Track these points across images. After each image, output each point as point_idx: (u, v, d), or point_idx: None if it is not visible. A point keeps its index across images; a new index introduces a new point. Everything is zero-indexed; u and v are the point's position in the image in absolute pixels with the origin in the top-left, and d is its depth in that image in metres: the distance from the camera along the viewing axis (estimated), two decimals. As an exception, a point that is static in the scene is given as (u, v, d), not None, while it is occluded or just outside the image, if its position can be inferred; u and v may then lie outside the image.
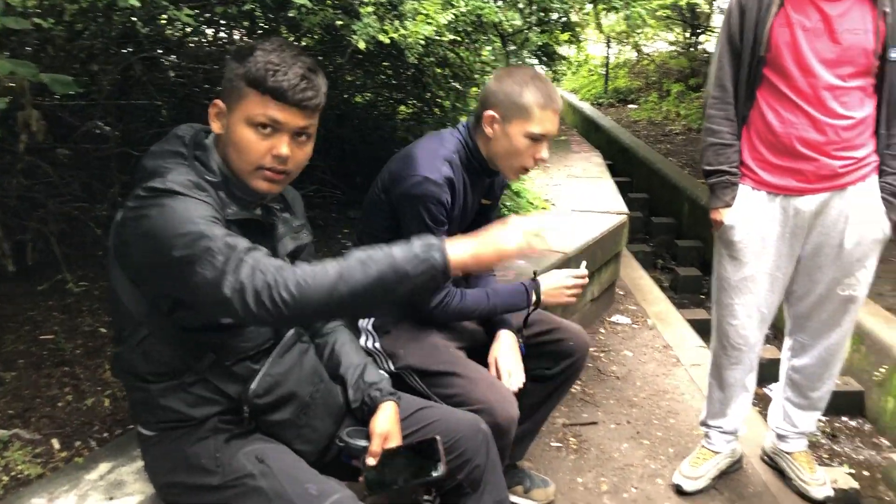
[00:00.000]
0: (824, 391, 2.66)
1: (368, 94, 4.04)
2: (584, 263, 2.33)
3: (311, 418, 1.69)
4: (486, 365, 2.18)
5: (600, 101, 11.87)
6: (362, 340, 2.22)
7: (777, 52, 2.27)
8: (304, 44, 3.15)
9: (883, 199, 2.36)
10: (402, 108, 4.02)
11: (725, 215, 2.44)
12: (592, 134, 9.58)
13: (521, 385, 2.14)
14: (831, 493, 2.67)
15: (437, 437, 1.71)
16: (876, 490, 3.14)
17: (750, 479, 2.75)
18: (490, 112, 2.05)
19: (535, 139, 2.05)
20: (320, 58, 3.18)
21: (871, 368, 3.63)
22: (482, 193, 2.27)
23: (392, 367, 2.16)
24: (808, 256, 2.46)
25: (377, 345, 2.18)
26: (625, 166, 8.08)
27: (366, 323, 2.23)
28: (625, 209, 4.26)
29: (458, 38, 2.68)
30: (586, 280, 2.25)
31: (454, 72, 3.62)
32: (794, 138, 2.29)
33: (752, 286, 2.49)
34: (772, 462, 2.80)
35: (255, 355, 1.60)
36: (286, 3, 2.24)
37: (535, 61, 4.51)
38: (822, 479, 2.68)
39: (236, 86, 1.51)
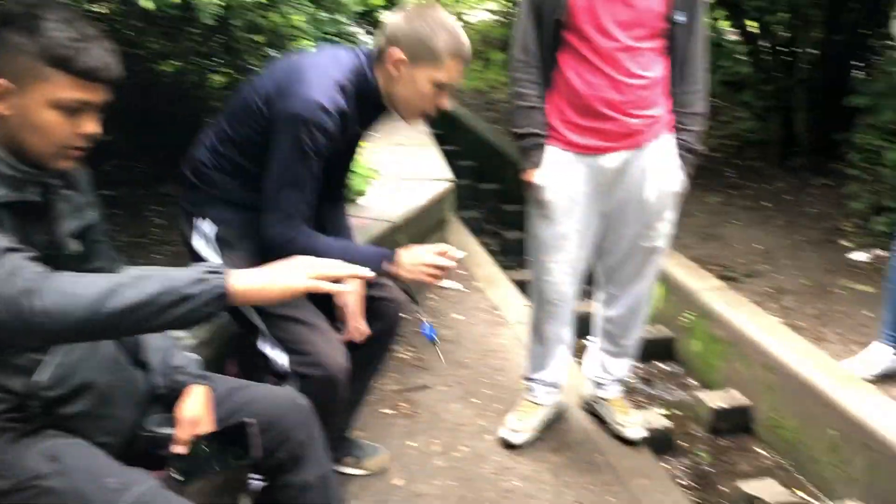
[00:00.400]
0: (634, 338, 2.82)
1: (177, 63, 3.81)
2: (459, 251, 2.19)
3: (112, 408, 1.57)
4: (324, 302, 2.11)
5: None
6: (196, 243, 2.12)
7: (575, 15, 2.36)
8: (96, 9, 2.92)
9: (678, 154, 2.53)
10: (215, 76, 3.83)
11: (536, 176, 2.51)
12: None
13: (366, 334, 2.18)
14: (646, 434, 2.85)
15: (247, 421, 1.65)
16: (687, 427, 3.39)
17: (572, 427, 2.88)
18: (397, 52, 1.97)
19: (441, 87, 2.00)
20: (116, 24, 2.96)
21: (679, 315, 3.90)
22: (365, 125, 2.19)
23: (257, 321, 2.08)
24: (614, 212, 2.59)
25: (217, 259, 2.08)
26: (453, 135, 8.18)
27: (201, 223, 2.12)
28: (450, 176, 4.30)
29: (267, 2, 2.57)
30: (452, 264, 2.11)
31: (268, 38, 3.48)
32: (596, 99, 2.39)
33: (564, 243, 2.59)
34: (591, 409, 2.95)
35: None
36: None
37: (357, 28, 4.43)
38: (636, 421, 2.86)
39: (29, 65, 1.37)
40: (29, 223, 1.41)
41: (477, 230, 5.49)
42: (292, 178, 1.97)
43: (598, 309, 2.86)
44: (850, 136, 5.01)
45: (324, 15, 3.56)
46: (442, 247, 2.09)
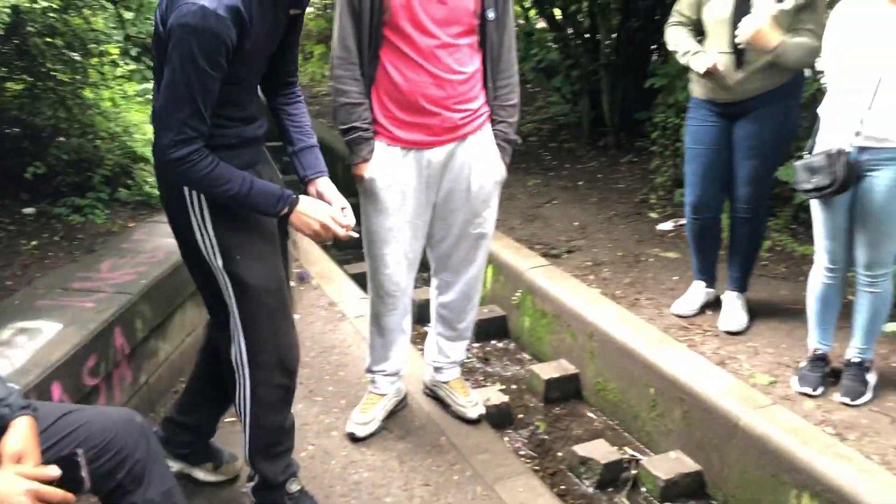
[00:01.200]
0: (469, 321, 2.95)
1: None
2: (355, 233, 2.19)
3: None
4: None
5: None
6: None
7: (394, 14, 2.42)
8: None
9: (497, 145, 2.67)
10: (11, 84, 3.58)
11: (366, 170, 2.56)
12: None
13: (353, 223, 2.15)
14: (483, 411, 2.99)
15: (78, 451, 1.60)
16: (523, 399, 3.58)
17: (415, 413, 2.97)
18: None
19: None
20: None
21: (509, 294, 4.09)
22: (288, 5, 2.03)
23: (215, 259, 2.05)
24: (442, 202, 2.70)
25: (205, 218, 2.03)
26: (274, 131, 8.04)
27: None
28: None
29: (60, 5, 2.44)
30: (341, 232, 2.10)
31: (67, 41, 3.30)
32: (419, 95, 2.48)
33: (397, 235, 2.67)
34: (432, 393, 3.05)
35: None
36: None
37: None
38: (475, 400, 2.99)
39: None
40: None
41: (309, 227, 5.47)
42: (184, 94, 1.84)
43: (432, 296, 2.96)
44: (651, 115, 5.42)
45: (129, 15, 3.43)
46: (338, 214, 2.09)
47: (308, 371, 3.24)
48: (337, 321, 3.69)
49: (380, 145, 2.56)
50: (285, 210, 2.01)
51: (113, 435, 1.73)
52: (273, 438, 2.26)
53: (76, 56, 3.38)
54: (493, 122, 2.65)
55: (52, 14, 2.71)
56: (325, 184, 2.24)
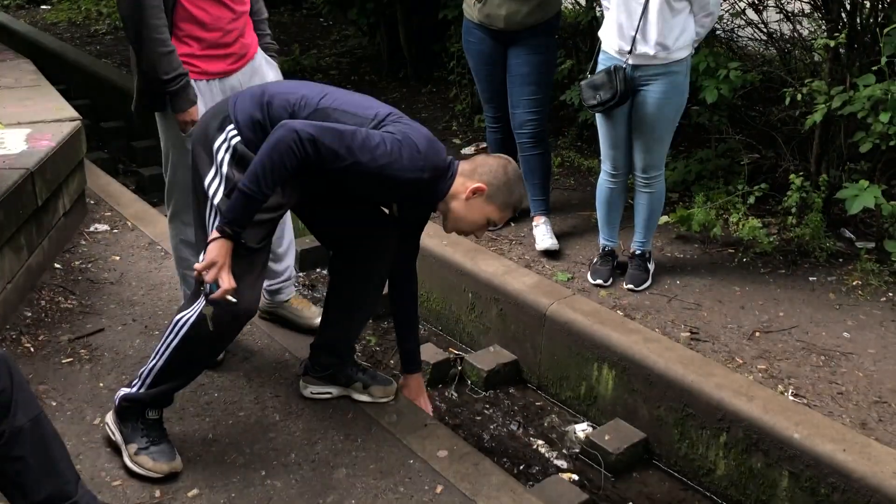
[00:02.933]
0: (291, 237, 3.13)
1: None
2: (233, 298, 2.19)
3: None
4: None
5: (5, 3, 10.59)
6: (216, 144, 2.23)
7: None
8: None
9: (269, 55, 2.94)
10: None
11: (197, 112, 2.63)
12: (7, 40, 8.59)
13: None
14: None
15: None
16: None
17: (255, 336, 3.10)
18: (481, 185, 2.28)
19: (490, 224, 2.38)
20: None
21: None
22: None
23: (214, 198, 2.21)
24: None
25: (225, 167, 2.21)
26: (55, 72, 7.50)
27: (232, 133, 2.22)
28: (76, 115, 4.10)
29: None
30: (225, 284, 2.12)
31: None
32: (222, 29, 2.65)
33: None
34: (271, 316, 3.19)
35: None
36: None
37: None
38: (318, 311, 3.20)
39: None
40: None
41: (109, 171, 5.27)
42: (350, 140, 2.12)
43: None
44: (446, 46, 5.70)
45: None
46: (232, 285, 2.13)
47: (140, 308, 3.26)
48: (161, 259, 3.69)
49: (196, 84, 2.66)
50: (227, 233, 2.12)
51: (-25, 368, 1.76)
52: (173, 373, 2.34)
53: None
54: (260, 38, 2.91)
55: None
56: (415, 379, 2.82)
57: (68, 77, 7.33)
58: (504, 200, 2.34)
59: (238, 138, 2.23)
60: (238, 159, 2.22)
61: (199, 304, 2.25)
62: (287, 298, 3.14)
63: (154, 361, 2.33)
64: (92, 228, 3.98)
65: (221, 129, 2.25)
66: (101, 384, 2.75)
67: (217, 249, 2.12)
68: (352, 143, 2.10)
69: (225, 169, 2.22)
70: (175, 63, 2.56)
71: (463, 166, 2.34)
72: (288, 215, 2.99)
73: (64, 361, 2.87)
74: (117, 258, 3.70)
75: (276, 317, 3.18)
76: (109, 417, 2.46)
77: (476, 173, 2.32)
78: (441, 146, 2.31)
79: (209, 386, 2.78)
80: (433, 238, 3.70)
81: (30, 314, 3.15)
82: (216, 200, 2.22)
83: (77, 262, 3.62)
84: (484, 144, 4.90)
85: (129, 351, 2.96)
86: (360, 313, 2.68)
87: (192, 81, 2.63)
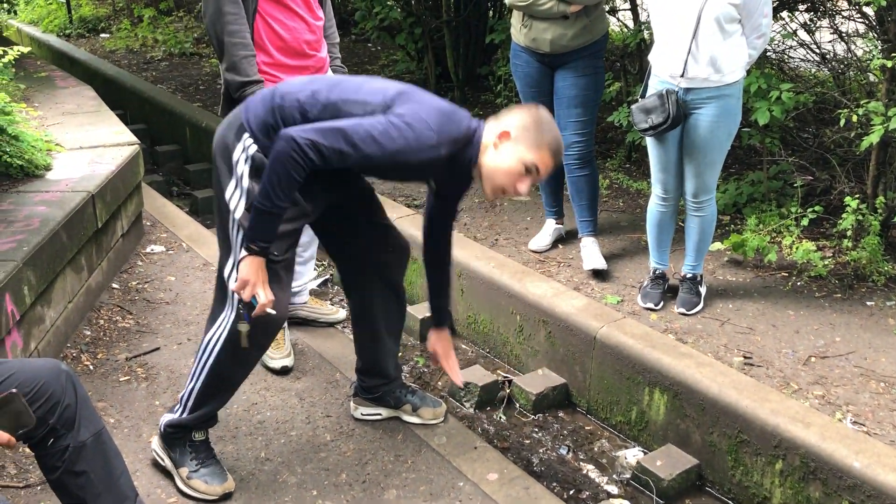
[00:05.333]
0: (316, 242, 3.25)
1: None
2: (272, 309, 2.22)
3: None
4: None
5: (67, 32, 10.97)
6: (236, 156, 2.20)
7: None
8: None
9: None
10: None
11: None
12: (68, 68, 8.89)
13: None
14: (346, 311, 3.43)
15: (15, 391, 1.68)
16: (402, 339, 3.82)
17: (307, 355, 3.14)
18: (506, 129, 2.17)
19: (529, 172, 2.19)
20: None
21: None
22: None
23: (235, 211, 2.19)
24: None
25: (246, 179, 2.18)
26: (114, 98, 7.74)
27: (249, 143, 2.19)
28: (135, 139, 4.22)
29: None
30: (262, 299, 2.16)
31: None
32: (301, 41, 2.79)
33: None
34: (295, 318, 3.33)
35: None
36: None
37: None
38: (336, 308, 3.43)
39: None
40: None
41: (164, 193, 5.40)
42: (357, 130, 2.08)
43: None
44: (493, 69, 5.75)
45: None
46: (272, 296, 2.17)
47: (195, 328, 3.33)
48: (214, 280, 3.76)
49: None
50: (255, 248, 2.12)
51: (42, 382, 1.82)
52: (211, 394, 2.37)
53: None
54: (331, 59, 3.06)
55: None
56: (443, 335, 2.76)
57: (126, 102, 7.56)
58: (535, 139, 2.16)
59: (255, 147, 2.20)
60: (257, 169, 2.19)
61: (227, 322, 2.27)
62: (305, 300, 3.28)
63: (192, 384, 2.36)
64: (148, 249, 4.08)
65: (238, 138, 2.23)
66: (157, 402, 2.81)
67: (249, 268, 2.12)
68: (355, 137, 2.04)
69: (245, 182, 2.20)
70: (252, 68, 2.70)
71: (489, 123, 2.24)
72: None
73: (121, 379, 2.94)
74: (172, 278, 3.78)
75: (297, 318, 3.29)
76: (156, 443, 2.48)
77: (501, 123, 2.21)
78: (462, 114, 2.22)
79: (261, 405, 2.82)
80: (480, 260, 3.71)
81: (89, 333, 3.24)
82: (237, 215, 2.21)
83: (134, 283, 3.71)
84: (531, 167, 4.90)
85: (183, 370, 3.02)
86: (388, 330, 2.68)
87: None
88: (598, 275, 3.62)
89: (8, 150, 3.34)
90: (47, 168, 3.54)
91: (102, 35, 10.87)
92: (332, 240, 2.57)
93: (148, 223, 4.38)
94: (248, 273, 2.12)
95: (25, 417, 1.68)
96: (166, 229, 4.32)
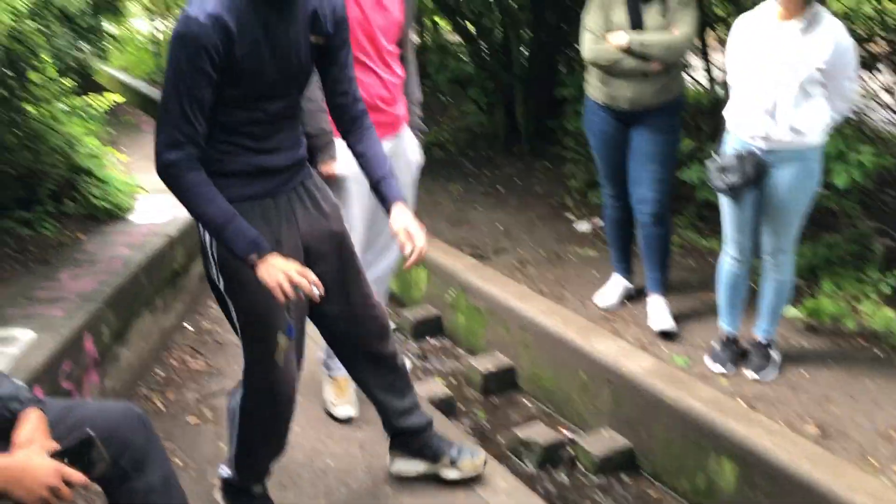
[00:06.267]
0: (385, 296, 3.28)
1: None
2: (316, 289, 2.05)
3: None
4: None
5: (154, 78, 11.48)
6: (201, 229, 2.09)
7: (351, 26, 2.69)
8: None
9: (415, 134, 3.10)
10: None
11: (337, 167, 2.83)
12: (154, 113, 9.28)
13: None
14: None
15: (88, 432, 1.74)
16: (463, 392, 3.82)
17: (369, 406, 3.14)
18: None
19: None
20: None
21: (443, 294, 4.32)
22: (303, 29, 2.04)
23: (220, 285, 2.12)
24: None
25: (213, 247, 2.07)
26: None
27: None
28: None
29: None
30: (305, 285, 1.98)
31: (10, 58, 3.34)
32: (374, 97, 2.81)
33: (357, 224, 2.96)
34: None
35: None
36: None
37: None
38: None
39: None
40: None
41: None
42: (173, 98, 1.90)
43: None
44: (563, 123, 5.77)
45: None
46: (311, 274, 2.01)
47: (261, 372, 3.38)
48: (283, 325, 3.83)
49: (337, 142, 2.82)
50: (254, 256, 1.96)
51: (115, 424, 1.87)
52: (252, 453, 2.39)
53: (8, 72, 3.42)
54: (410, 116, 3.08)
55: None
56: (398, 210, 2.26)
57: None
58: None
59: None
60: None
61: (242, 388, 2.31)
62: None
63: (233, 449, 2.39)
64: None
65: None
66: (224, 445, 2.85)
67: (267, 272, 1.96)
68: (175, 91, 1.89)
69: (214, 252, 2.10)
70: (322, 121, 2.75)
71: None
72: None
73: (190, 421, 3.00)
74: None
75: None
76: (218, 495, 2.52)
77: None
78: None
79: (324, 453, 2.84)
80: (545, 315, 3.69)
81: (161, 373, 3.33)
82: (221, 285, 2.13)
83: (206, 324, 3.80)
84: (599, 221, 4.89)
85: (249, 413, 3.06)
86: (391, 383, 2.55)
87: (341, 142, 2.77)
88: (666, 335, 3.56)
89: (96, 192, 3.49)
90: (132, 211, 3.69)
91: (186, 81, 11.29)
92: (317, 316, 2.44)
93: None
94: (271, 276, 1.95)
95: (99, 459, 1.73)
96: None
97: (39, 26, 2.32)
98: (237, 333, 2.25)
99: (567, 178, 5.70)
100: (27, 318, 2.57)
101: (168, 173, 1.96)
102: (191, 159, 1.95)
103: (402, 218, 2.22)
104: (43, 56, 3.19)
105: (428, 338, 4.32)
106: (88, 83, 8.09)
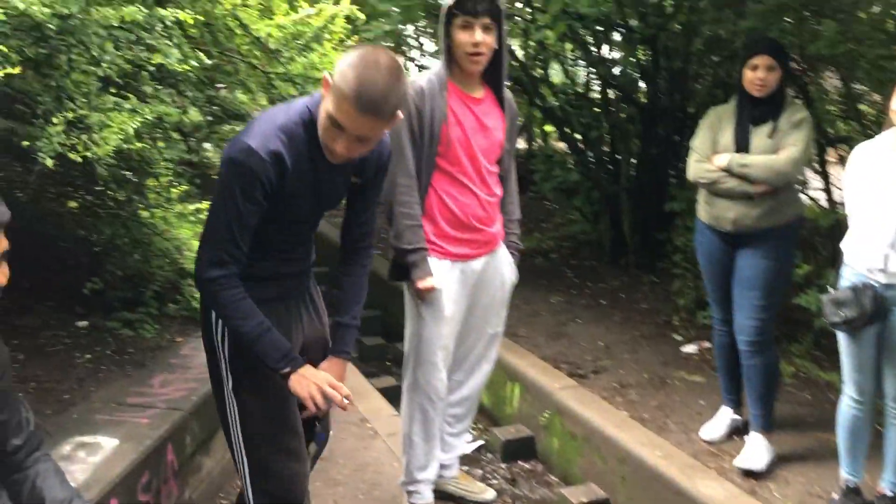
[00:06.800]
0: (474, 413, 3.27)
1: (29, 190, 3.75)
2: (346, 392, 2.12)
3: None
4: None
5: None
6: (217, 338, 2.11)
7: (451, 146, 2.77)
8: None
9: (511, 252, 3.08)
10: (71, 202, 3.79)
11: (430, 282, 2.81)
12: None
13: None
14: (494, 493, 3.35)
15: None
16: (553, 524, 3.58)
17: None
18: (328, 76, 1.90)
19: (336, 126, 1.88)
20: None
21: (537, 414, 4.14)
22: (347, 170, 2.10)
23: (227, 380, 2.10)
24: (472, 306, 3.02)
25: (227, 351, 2.09)
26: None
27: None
28: (312, 290, 4.40)
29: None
30: (338, 399, 2.04)
31: (130, 165, 3.52)
32: (470, 215, 2.84)
33: (447, 342, 2.93)
34: (442, 493, 3.19)
35: None
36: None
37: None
38: (483, 486, 3.30)
39: None
40: None
41: (335, 338, 5.56)
42: (222, 220, 1.97)
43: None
44: (671, 237, 5.59)
45: (191, 140, 3.66)
46: (343, 388, 2.07)
47: (342, 489, 3.28)
48: (369, 439, 3.75)
49: (431, 260, 2.84)
50: (287, 370, 2.02)
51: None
52: None
53: (130, 176, 3.59)
54: (506, 235, 3.07)
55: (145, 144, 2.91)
56: (335, 364, 2.27)
57: (318, 249, 8.01)
58: (341, 88, 1.81)
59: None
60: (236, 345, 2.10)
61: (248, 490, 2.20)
62: (454, 474, 3.17)
63: None
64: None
65: (207, 318, 2.16)
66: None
67: (299, 385, 2.00)
68: (225, 213, 1.95)
69: (227, 354, 2.11)
70: (416, 237, 2.76)
71: None
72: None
73: None
74: (331, 432, 3.79)
75: (444, 493, 3.19)
76: None
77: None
78: (309, 99, 2.01)
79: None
80: (646, 447, 3.46)
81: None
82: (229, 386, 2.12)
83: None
84: (707, 343, 4.62)
85: (327, 534, 2.95)
86: None
87: (435, 259, 2.82)
88: (777, 481, 3.25)
89: (196, 295, 3.55)
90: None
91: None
92: None
93: (314, 371, 4.48)
94: (304, 388, 1.99)
95: None
96: (330, 379, 4.40)
97: (145, 145, 2.40)
98: (232, 436, 2.17)
99: (675, 295, 5.46)
100: (115, 425, 2.59)
101: (209, 289, 2.01)
102: (232, 277, 2.00)
103: (330, 373, 2.14)
104: (157, 167, 3.32)
105: (519, 461, 4.11)
106: (210, 182, 8.52)
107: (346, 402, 2.05)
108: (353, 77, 1.81)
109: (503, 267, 3.05)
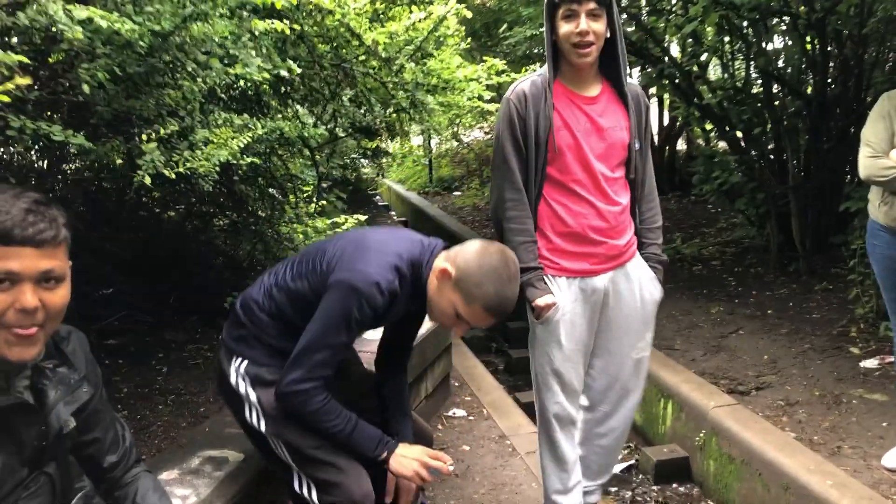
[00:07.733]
0: (622, 443, 2.97)
1: (179, 208, 3.93)
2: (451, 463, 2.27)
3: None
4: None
5: (426, 190, 12.22)
6: (233, 380, 2.20)
7: (561, 153, 2.52)
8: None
9: (651, 266, 2.72)
10: (217, 220, 3.93)
11: (545, 300, 2.57)
12: (421, 223, 9.79)
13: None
14: None
15: None
16: (708, 555, 3.27)
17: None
18: (449, 269, 2.07)
19: (460, 319, 2.10)
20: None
21: (692, 434, 3.82)
22: (419, 306, 2.26)
23: (262, 428, 2.17)
24: (604, 329, 2.72)
25: (251, 394, 2.18)
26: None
27: (238, 363, 2.20)
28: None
29: (261, 161, 2.69)
30: (444, 468, 2.18)
31: (269, 182, 3.60)
32: (586, 227, 2.56)
33: (569, 364, 2.67)
34: None
35: None
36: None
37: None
38: None
39: None
40: (20, 422, 1.40)
41: (482, 349, 5.47)
42: (328, 341, 2.06)
43: (586, 427, 2.89)
44: (848, 240, 5.05)
45: (320, 155, 3.70)
46: (440, 454, 2.15)
47: (478, 509, 3.16)
48: (508, 456, 3.60)
49: (546, 277, 2.60)
50: (384, 455, 2.12)
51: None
52: None
53: (275, 193, 3.68)
54: (643, 246, 2.73)
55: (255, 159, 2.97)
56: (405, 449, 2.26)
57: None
58: (469, 292, 2.04)
59: (245, 363, 2.21)
60: (255, 380, 2.19)
61: None
62: (597, 500, 2.92)
63: None
64: (451, 412, 4.06)
65: (229, 362, 2.24)
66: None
67: (399, 465, 2.11)
68: (334, 337, 2.05)
69: (253, 397, 2.18)
70: (529, 254, 2.55)
71: (449, 250, 2.16)
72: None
73: None
74: (467, 448, 3.69)
75: None
76: None
77: (451, 255, 2.12)
78: (410, 240, 2.18)
79: None
80: (814, 474, 3.08)
81: (378, 499, 3.23)
82: (266, 428, 2.17)
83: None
84: (890, 358, 4.10)
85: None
86: None
87: (551, 277, 2.59)
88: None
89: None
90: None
91: (454, 193, 11.89)
92: None
93: (455, 383, 4.40)
94: (406, 468, 2.11)
95: None
96: (471, 392, 4.30)
97: (254, 160, 2.41)
98: (286, 471, 2.21)
99: (852, 303, 4.93)
100: (244, 439, 2.55)
101: (295, 400, 2.09)
102: (320, 388, 2.08)
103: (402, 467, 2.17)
104: (298, 182, 3.36)
105: (673, 483, 3.81)
106: (361, 196, 8.73)
107: (450, 467, 2.19)
108: (494, 293, 2.04)
109: (642, 283, 2.69)
